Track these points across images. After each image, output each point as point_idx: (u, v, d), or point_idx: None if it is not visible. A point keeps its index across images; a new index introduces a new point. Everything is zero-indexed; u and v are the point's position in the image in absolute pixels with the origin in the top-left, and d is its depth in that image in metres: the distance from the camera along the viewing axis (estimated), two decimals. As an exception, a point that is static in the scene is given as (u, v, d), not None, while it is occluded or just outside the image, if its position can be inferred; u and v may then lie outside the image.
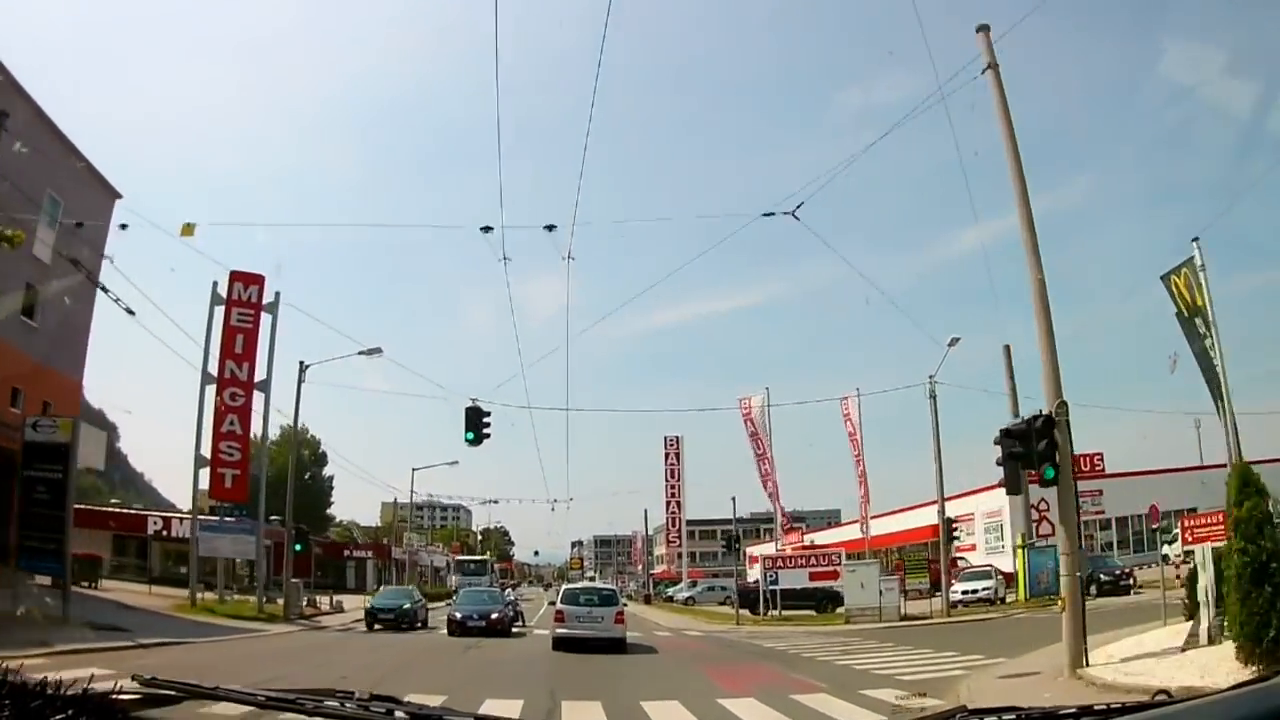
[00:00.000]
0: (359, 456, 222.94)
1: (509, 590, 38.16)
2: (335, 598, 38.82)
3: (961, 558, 42.52)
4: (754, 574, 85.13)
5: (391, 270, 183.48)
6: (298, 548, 32.23)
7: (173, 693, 2.33)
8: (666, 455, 64.09)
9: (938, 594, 31.99)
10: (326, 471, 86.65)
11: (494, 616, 25.54)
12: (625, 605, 25.17)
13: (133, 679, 2.37)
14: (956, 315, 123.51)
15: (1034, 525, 37.98)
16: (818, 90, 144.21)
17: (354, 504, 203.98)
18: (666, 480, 63.50)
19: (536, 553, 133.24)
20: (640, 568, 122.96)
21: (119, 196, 30.65)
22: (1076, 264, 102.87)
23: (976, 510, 51.41)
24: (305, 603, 33.88)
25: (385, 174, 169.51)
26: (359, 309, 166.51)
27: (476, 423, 22.87)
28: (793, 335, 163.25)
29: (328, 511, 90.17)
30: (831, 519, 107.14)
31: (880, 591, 30.67)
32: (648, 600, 63.63)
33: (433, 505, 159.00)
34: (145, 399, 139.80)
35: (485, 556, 59.67)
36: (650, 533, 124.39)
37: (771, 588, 34.31)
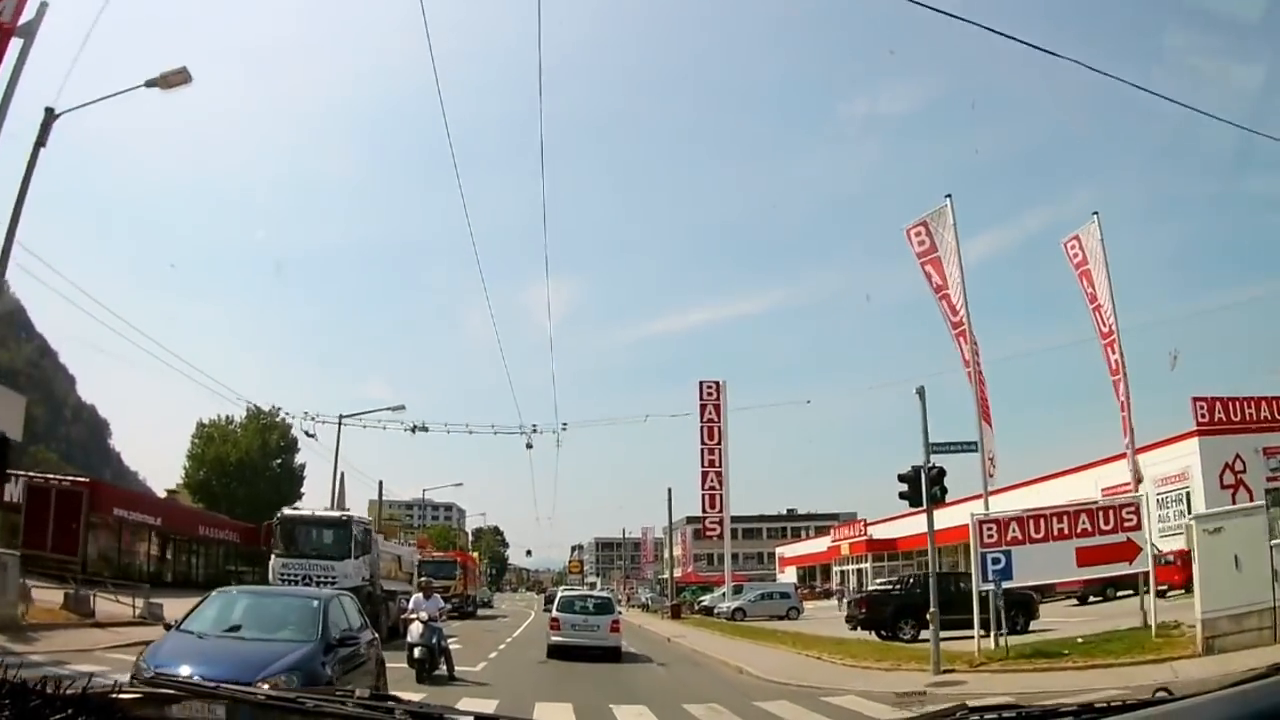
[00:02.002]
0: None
1: (417, 599, 15.95)
2: (148, 600, 22.67)
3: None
4: (787, 578, 63.08)
5: (390, 277, 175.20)
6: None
7: (173, 692, 2.23)
8: (703, 408, 43.16)
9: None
10: (299, 459, 71.96)
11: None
12: (622, 614, 24.45)
13: (133, 679, 2.32)
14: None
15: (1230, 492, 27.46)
16: (821, 98, 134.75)
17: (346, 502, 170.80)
18: (703, 442, 42.53)
19: (529, 552, 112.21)
20: (651, 571, 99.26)
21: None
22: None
23: (1145, 475, 31.72)
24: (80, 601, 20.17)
25: (388, 177, 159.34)
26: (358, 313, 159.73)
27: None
28: (795, 342, 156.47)
29: (297, 505, 67.72)
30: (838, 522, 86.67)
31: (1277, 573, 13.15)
32: (676, 614, 43.36)
33: (423, 504, 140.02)
34: (140, 399, 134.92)
35: (346, 513, 27.71)
36: (660, 534, 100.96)
37: (998, 585, 16.65)
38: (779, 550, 73.46)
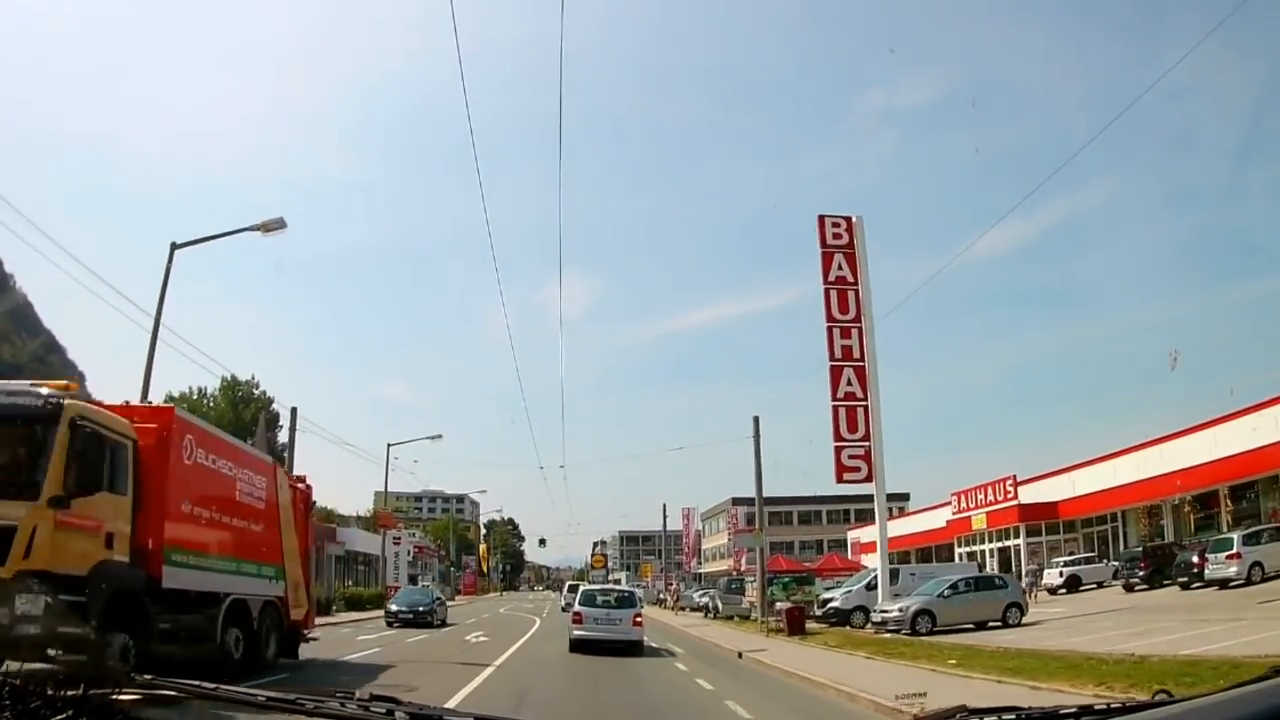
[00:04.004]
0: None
1: None
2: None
3: None
4: (870, 561, 45.64)
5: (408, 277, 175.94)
6: None
7: (173, 693, 2.16)
8: (827, 259, 25.83)
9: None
10: (282, 438, 58.37)
11: None
12: (643, 607, 23.45)
13: (133, 679, 2.19)
14: (978, 317, 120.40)
15: None
16: (837, 92, 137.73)
17: (343, 491, 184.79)
18: (830, 317, 25.37)
19: (542, 541, 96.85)
20: (694, 562, 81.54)
21: None
22: (1094, 267, 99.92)
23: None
24: None
25: (403, 177, 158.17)
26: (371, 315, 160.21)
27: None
28: (814, 339, 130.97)
29: None
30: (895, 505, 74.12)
31: None
32: (798, 625, 25.89)
33: (434, 495, 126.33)
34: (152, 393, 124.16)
35: None
36: (700, 523, 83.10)
37: None
38: (852, 535, 56.33)
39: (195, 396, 57.84)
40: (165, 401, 59.52)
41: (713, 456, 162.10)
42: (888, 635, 23.13)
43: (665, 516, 64.64)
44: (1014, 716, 1.99)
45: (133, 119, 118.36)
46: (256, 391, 58.82)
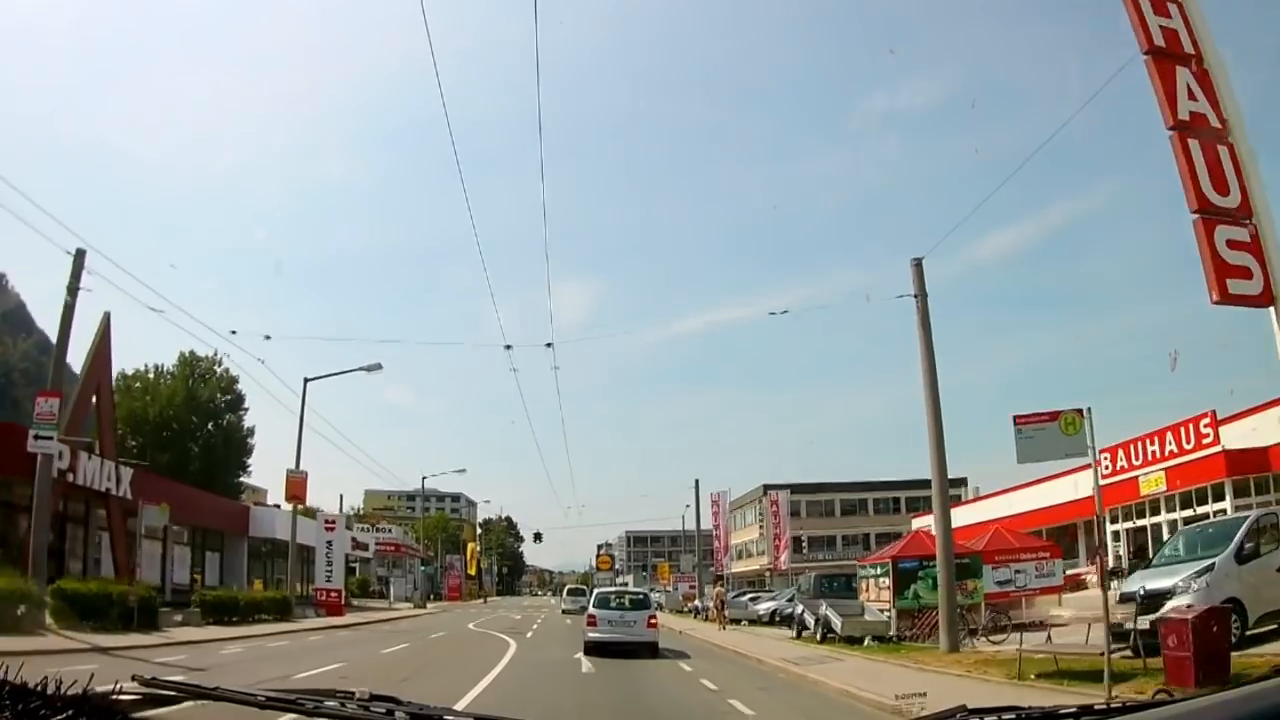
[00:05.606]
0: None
1: None
2: None
3: None
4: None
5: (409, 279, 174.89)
6: None
7: (173, 693, 2.16)
8: None
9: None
10: (248, 422, 54.80)
11: None
12: (659, 609, 26.29)
13: (133, 679, 2.17)
14: (980, 319, 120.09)
15: None
16: (839, 95, 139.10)
17: (332, 486, 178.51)
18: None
19: (538, 536, 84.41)
20: (726, 559, 69.18)
21: None
22: (1098, 269, 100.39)
23: None
24: None
25: (410, 179, 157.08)
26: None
27: None
28: (820, 340, 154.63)
29: (243, 478, 56.43)
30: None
31: None
32: (1217, 663, 8.94)
33: (427, 494, 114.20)
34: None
35: None
36: (727, 514, 71.36)
37: None
38: (919, 523, 43.90)
39: (152, 375, 51.99)
40: (118, 379, 49.75)
41: (727, 447, 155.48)
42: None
43: (697, 494, 52.02)
44: (1014, 716, 1.96)
45: (132, 122, 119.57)
46: (218, 369, 52.22)
